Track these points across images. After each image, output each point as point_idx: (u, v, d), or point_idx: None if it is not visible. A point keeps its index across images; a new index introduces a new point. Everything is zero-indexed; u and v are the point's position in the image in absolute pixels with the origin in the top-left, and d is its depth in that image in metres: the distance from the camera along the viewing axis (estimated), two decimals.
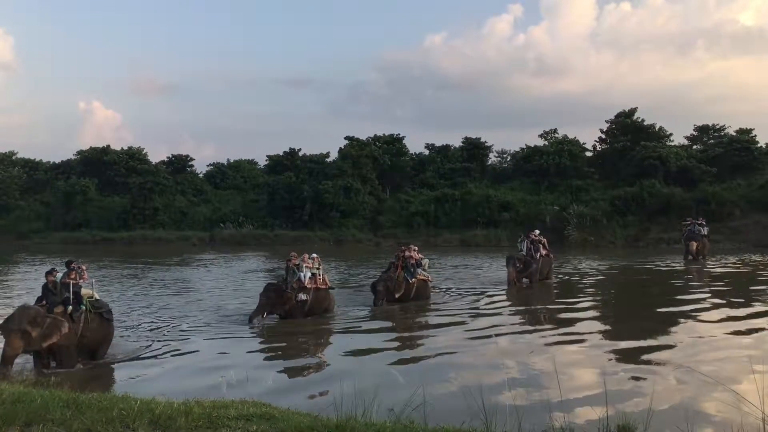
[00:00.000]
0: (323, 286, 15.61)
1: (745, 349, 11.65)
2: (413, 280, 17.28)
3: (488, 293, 19.12)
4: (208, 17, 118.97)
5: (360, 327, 14.69)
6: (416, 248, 18.63)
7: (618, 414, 5.64)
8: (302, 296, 14.96)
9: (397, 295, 16.91)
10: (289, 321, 14.76)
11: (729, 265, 27.25)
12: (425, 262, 18.18)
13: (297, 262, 15.40)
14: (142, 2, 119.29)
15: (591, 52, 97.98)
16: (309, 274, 15.22)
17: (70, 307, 10.84)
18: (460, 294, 19.15)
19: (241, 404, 5.90)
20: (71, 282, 11.11)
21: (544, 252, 21.72)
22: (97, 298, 11.76)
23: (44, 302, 10.89)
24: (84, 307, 11.02)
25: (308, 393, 9.07)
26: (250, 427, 5.07)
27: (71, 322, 10.70)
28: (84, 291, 11.38)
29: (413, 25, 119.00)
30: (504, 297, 18.85)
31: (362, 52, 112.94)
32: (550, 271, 22.25)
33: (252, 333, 13.82)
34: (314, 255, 16.03)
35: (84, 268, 12.16)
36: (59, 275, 11.43)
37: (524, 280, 20.80)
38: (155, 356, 11.66)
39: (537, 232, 22.60)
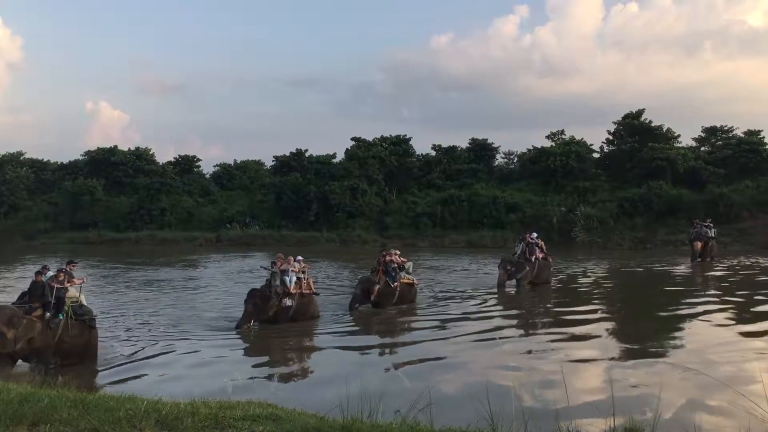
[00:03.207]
0: (308, 291, 15.37)
1: (753, 352, 11.61)
2: (395, 284, 16.99)
3: (481, 296, 18.92)
4: (214, 17, 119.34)
5: (353, 331, 14.62)
6: (398, 252, 18.42)
7: (625, 417, 5.61)
8: (287, 302, 14.68)
9: (373, 299, 16.67)
10: (283, 326, 14.55)
11: (736, 267, 27.11)
12: (408, 265, 17.86)
13: (284, 267, 15.10)
14: (148, 3, 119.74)
15: (597, 53, 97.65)
16: (294, 279, 14.97)
17: (48, 314, 10.49)
18: (452, 297, 18.92)
19: (248, 405, 5.90)
20: (56, 286, 10.75)
21: (541, 255, 21.24)
22: (83, 302, 11.40)
23: (23, 302, 10.60)
24: (62, 317, 10.64)
25: (312, 395, 9.07)
26: (256, 427, 5.07)
27: (48, 328, 10.43)
28: (72, 292, 11.10)
29: (419, 25, 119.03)
30: (499, 300, 18.66)
31: (368, 53, 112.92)
32: (549, 275, 21.74)
33: (240, 337, 13.63)
34: (299, 258, 15.79)
35: (83, 278, 11.99)
36: (49, 273, 11.18)
37: (512, 282, 20.36)
38: (148, 360, 11.54)
39: (534, 234, 22.21)
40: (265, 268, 15.25)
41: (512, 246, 31.89)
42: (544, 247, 21.78)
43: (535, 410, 7.70)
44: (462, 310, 16.83)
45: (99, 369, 11.02)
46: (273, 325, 14.52)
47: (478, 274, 25.11)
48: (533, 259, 20.85)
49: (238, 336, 13.76)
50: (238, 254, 37.11)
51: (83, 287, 11.88)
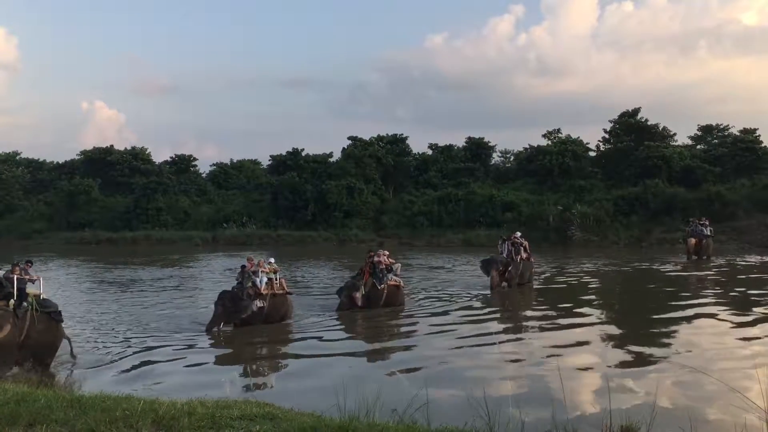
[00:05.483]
0: (280, 292, 15.22)
1: (748, 349, 11.64)
2: (382, 285, 16.67)
3: (474, 297, 18.77)
4: (209, 17, 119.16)
5: (345, 333, 14.52)
6: (387, 253, 18.00)
7: (621, 414, 5.62)
8: (258, 303, 14.53)
9: (360, 303, 16.38)
10: (274, 328, 14.47)
11: (731, 265, 27.17)
12: (397, 266, 17.52)
13: (254, 269, 14.97)
14: (144, 2, 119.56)
15: (593, 52, 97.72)
16: (265, 280, 14.85)
17: (13, 301, 10.26)
18: (446, 298, 18.67)
19: (245, 404, 5.90)
20: (15, 276, 10.55)
21: (524, 255, 21.11)
22: (45, 297, 11.09)
23: None
24: (27, 305, 10.39)
25: (309, 394, 9.04)
26: (253, 427, 5.06)
27: (16, 319, 10.20)
28: (32, 290, 10.84)
29: (414, 25, 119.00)
30: (492, 301, 18.53)
31: (363, 53, 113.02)
32: (531, 275, 21.61)
33: (212, 341, 13.37)
34: (271, 260, 15.72)
35: (39, 277, 11.71)
36: (1, 272, 10.93)
37: (504, 284, 20.18)
38: (134, 361, 11.37)
39: (519, 234, 22.08)
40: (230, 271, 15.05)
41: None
42: (528, 247, 21.67)
43: (531, 409, 7.72)
44: (456, 310, 16.69)
45: (45, 375, 10.78)
46: (249, 327, 14.29)
47: (471, 275, 24.96)
48: (518, 259, 20.75)
49: (222, 337, 13.59)
50: (222, 253, 37.05)
51: (41, 284, 11.45)
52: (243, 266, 15.29)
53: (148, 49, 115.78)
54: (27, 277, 11.07)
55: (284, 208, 48.10)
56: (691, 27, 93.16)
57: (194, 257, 35.21)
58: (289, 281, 17.65)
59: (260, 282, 14.75)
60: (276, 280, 15.23)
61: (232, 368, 11.38)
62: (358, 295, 16.45)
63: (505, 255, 20.80)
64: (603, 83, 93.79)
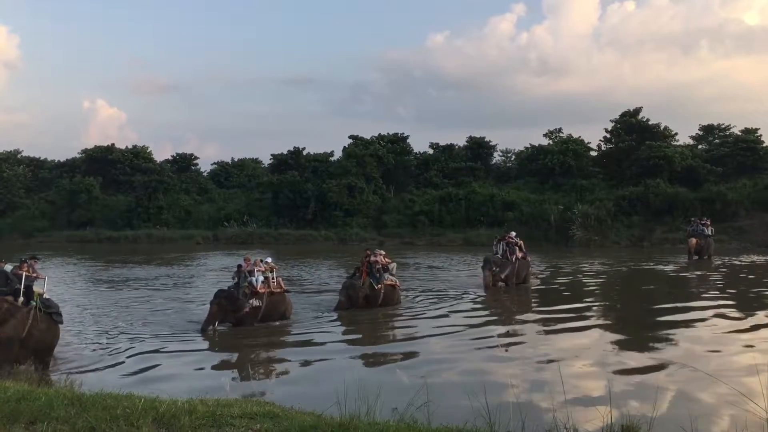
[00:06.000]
0: (278, 290, 15.16)
1: (749, 349, 11.62)
2: (379, 285, 16.60)
3: (472, 297, 18.70)
4: (211, 16, 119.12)
5: (345, 332, 14.45)
6: (383, 253, 17.93)
7: (622, 414, 5.62)
8: (254, 302, 14.46)
9: (360, 303, 16.33)
10: (272, 327, 14.43)
11: (732, 265, 27.16)
12: (393, 266, 17.44)
13: (250, 268, 14.89)
14: (144, 1, 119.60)
15: (594, 52, 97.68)
16: (261, 279, 14.78)
17: (21, 299, 10.15)
18: (444, 298, 18.55)
19: (245, 403, 5.90)
20: (23, 273, 10.46)
21: (520, 255, 21.06)
22: (47, 297, 10.98)
23: None
24: (34, 303, 10.30)
25: (310, 393, 9.03)
26: (253, 425, 5.07)
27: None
28: (36, 289, 10.75)
29: (415, 24, 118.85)
30: (489, 301, 18.48)
31: (364, 52, 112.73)
32: (527, 275, 21.54)
33: (209, 341, 13.26)
34: (268, 259, 15.69)
35: (44, 276, 11.66)
36: (8, 267, 10.88)
37: (500, 284, 20.13)
38: (132, 359, 11.28)
39: (513, 234, 22.10)
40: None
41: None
42: (523, 247, 21.61)
43: (533, 408, 7.72)
44: (456, 311, 16.57)
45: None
46: (248, 327, 14.24)
47: (469, 275, 24.80)
48: (513, 259, 20.70)
49: (218, 337, 13.50)
50: (220, 252, 37.01)
51: (45, 283, 11.42)
52: (240, 265, 15.23)
53: (148, 48, 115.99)
54: (34, 275, 11.03)
55: (285, 207, 48.13)
56: (692, 26, 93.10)
57: (193, 256, 35.21)
58: (288, 280, 17.64)
59: (256, 281, 14.69)
60: (273, 279, 15.18)
61: (232, 368, 11.39)
62: (362, 295, 16.37)
63: (500, 255, 20.82)
64: (604, 83, 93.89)
